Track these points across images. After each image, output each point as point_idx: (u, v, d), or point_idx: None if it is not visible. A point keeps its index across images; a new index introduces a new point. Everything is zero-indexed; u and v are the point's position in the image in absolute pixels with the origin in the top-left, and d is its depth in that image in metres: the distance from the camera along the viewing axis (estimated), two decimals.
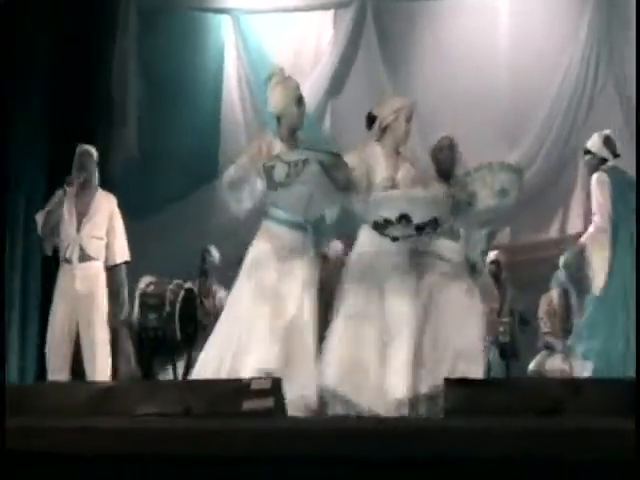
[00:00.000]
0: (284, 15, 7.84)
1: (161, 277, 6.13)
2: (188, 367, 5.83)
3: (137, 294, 5.94)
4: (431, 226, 4.02)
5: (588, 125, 7.25)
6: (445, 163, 4.56)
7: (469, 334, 4.43)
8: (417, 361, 4.16)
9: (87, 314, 5.39)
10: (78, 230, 5.44)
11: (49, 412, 3.10)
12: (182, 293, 5.95)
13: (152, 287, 5.98)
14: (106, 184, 5.84)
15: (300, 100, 4.38)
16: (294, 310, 4.06)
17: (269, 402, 3.00)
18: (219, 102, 7.87)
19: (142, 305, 5.92)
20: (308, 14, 7.86)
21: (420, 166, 4.68)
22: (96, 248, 5.48)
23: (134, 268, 6.09)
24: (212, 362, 4.07)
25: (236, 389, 3.08)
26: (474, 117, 7.22)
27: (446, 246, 4.48)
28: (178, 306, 5.86)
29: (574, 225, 7.22)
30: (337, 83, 7.70)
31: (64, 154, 5.78)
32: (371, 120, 4.41)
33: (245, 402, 3.01)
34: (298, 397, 3.80)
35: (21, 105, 6.65)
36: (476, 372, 4.37)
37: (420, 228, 3.99)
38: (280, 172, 3.91)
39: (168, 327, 5.82)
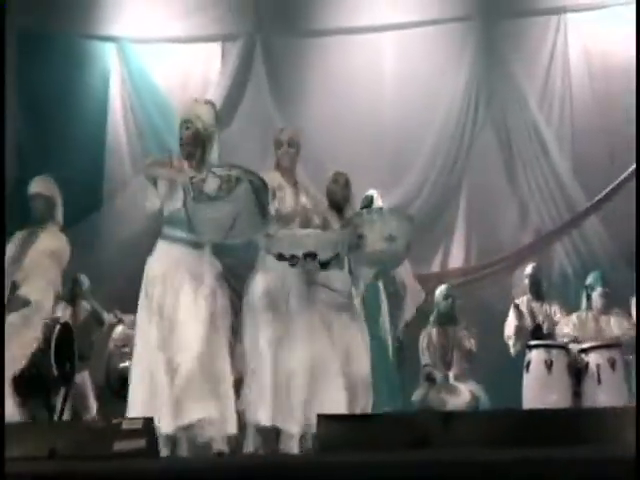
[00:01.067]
0: (171, 46, 7.78)
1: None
2: (64, 405, 5.64)
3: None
4: (334, 261, 4.24)
5: (469, 164, 7.49)
6: (338, 199, 4.77)
7: (361, 366, 4.55)
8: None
9: None
10: None
11: None
12: (57, 328, 5.76)
13: None
14: None
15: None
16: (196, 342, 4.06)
17: (141, 443, 2.93)
18: (103, 129, 7.70)
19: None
20: (195, 45, 7.81)
21: (313, 194, 4.83)
22: None
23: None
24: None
25: (106, 430, 2.99)
26: (363, 151, 7.33)
27: (334, 277, 4.58)
28: (54, 342, 5.66)
29: (456, 260, 7.42)
30: (225, 114, 7.64)
31: None
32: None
33: (116, 443, 2.92)
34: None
35: None
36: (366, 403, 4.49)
37: (324, 264, 4.21)
38: (211, 185, 3.89)
39: (42, 364, 5.62)
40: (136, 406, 3.93)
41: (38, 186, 5.35)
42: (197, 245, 4.20)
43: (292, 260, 4.17)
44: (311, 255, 4.12)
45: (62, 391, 5.76)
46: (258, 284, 4.39)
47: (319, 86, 7.61)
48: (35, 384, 5.69)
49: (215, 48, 7.79)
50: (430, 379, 6.19)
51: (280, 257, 4.19)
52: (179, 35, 7.73)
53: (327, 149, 7.16)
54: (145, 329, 4.13)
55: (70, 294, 6.35)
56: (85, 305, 6.44)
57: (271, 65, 7.62)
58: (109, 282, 6.92)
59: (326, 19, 7.61)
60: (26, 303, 5.09)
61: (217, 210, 3.92)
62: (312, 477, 2.48)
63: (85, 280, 6.48)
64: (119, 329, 6.34)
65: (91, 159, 7.63)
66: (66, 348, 5.83)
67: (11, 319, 5.00)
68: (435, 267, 7.44)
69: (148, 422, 3.03)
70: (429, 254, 7.47)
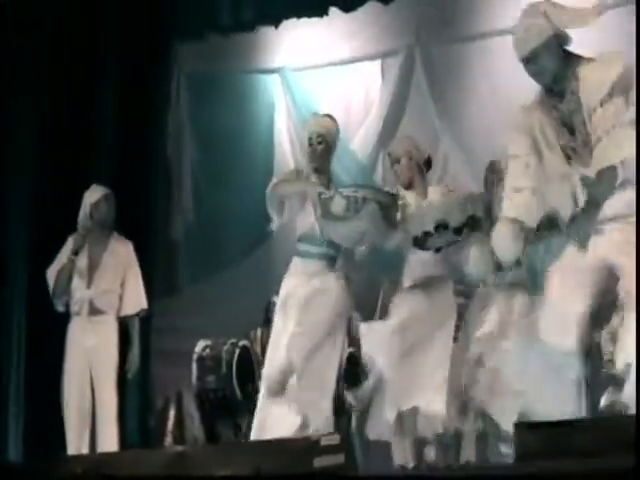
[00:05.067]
0: (332, 69, 7.87)
1: (218, 338, 6.20)
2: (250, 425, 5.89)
3: (194, 358, 6.02)
4: (469, 226, 4.12)
5: None
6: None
7: None
8: None
9: (97, 372, 5.29)
10: (89, 285, 5.37)
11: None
12: (237, 352, 6.03)
13: (208, 350, 6.07)
14: (167, 247, 5.95)
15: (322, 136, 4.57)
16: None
17: (339, 458, 2.99)
18: (272, 161, 7.92)
19: (200, 368, 6.01)
20: (355, 66, 7.87)
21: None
22: (108, 302, 5.40)
23: (193, 331, 6.26)
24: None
25: (305, 447, 3.07)
26: None
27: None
28: (235, 366, 5.92)
29: None
30: (388, 131, 7.67)
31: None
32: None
33: (316, 459, 2.99)
34: None
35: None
36: None
37: (458, 230, 4.11)
38: (338, 205, 4.09)
39: (227, 388, 5.88)
40: None
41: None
42: (330, 258, 4.38)
43: (426, 238, 4.08)
44: (442, 225, 4.04)
45: (247, 412, 6.00)
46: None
47: (483, 91, 7.41)
48: (221, 406, 5.97)
49: (375, 66, 7.83)
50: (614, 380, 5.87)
51: (416, 242, 4.16)
52: (341, 58, 7.80)
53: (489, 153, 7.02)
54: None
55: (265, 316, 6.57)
56: None
57: (432, 75, 7.50)
58: None
59: (486, 21, 7.44)
60: None
61: (344, 229, 4.13)
62: None
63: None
64: None
65: (260, 187, 7.88)
66: (247, 370, 6.09)
67: None
68: None
69: (344, 437, 3.08)
70: None
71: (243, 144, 7.82)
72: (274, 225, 4.51)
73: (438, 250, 4.26)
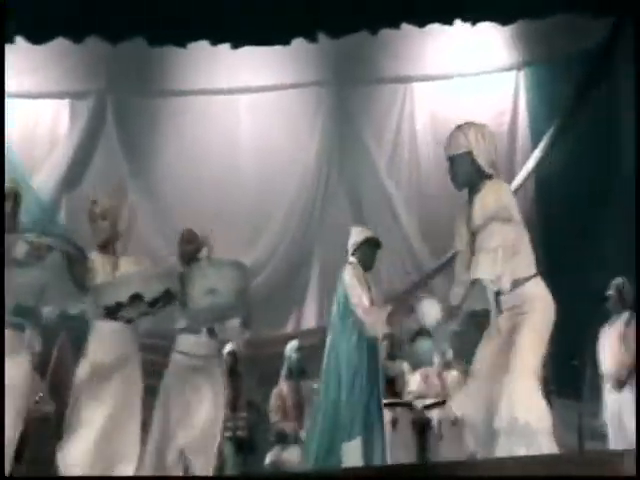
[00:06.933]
0: (17, 100, 7.53)
1: None
2: None
3: None
4: (164, 299, 4.00)
5: (322, 230, 7.50)
6: (189, 253, 4.65)
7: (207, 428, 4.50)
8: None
9: None
10: None
11: None
12: None
13: None
14: None
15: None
16: None
17: None
18: None
19: None
20: (43, 101, 7.61)
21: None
22: None
23: None
24: None
25: None
26: (218, 212, 7.28)
27: (190, 342, 4.56)
28: None
29: (308, 321, 7.45)
30: (74, 173, 7.48)
31: None
32: None
33: None
34: None
35: None
36: (205, 465, 4.42)
37: (153, 304, 3.96)
38: (20, 250, 3.73)
39: None
40: None
41: None
42: (17, 313, 3.87)
43: (119, 308, 3.91)
44: (137, 297, 3.89)
45: None
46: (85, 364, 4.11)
47: (174, 148, 7.55)
48: None
49: (64, 105, 7.61)
50: (281, 438, 6.10)
51: (107, 311, 3.92)
52: (23, 90, 7.40)
53: (182, 212, 7.09)
54: None
55: None
56: None
57: (123, 126, 7.49)
58: None
59: (181, 80, 7.58)
60: None
61: (24, 275, 3.74)
62: None
63: None
64: None
65: None
66: None
67: None
68: (289, 328, 7.47)
69: None
70: (283, 316, 7.49)
71: None
72: None
73: (130, 321, 4.08)
